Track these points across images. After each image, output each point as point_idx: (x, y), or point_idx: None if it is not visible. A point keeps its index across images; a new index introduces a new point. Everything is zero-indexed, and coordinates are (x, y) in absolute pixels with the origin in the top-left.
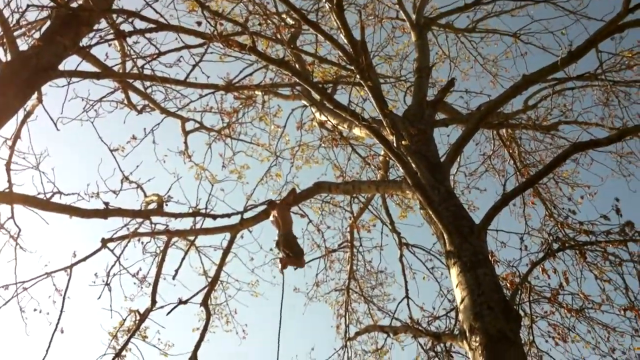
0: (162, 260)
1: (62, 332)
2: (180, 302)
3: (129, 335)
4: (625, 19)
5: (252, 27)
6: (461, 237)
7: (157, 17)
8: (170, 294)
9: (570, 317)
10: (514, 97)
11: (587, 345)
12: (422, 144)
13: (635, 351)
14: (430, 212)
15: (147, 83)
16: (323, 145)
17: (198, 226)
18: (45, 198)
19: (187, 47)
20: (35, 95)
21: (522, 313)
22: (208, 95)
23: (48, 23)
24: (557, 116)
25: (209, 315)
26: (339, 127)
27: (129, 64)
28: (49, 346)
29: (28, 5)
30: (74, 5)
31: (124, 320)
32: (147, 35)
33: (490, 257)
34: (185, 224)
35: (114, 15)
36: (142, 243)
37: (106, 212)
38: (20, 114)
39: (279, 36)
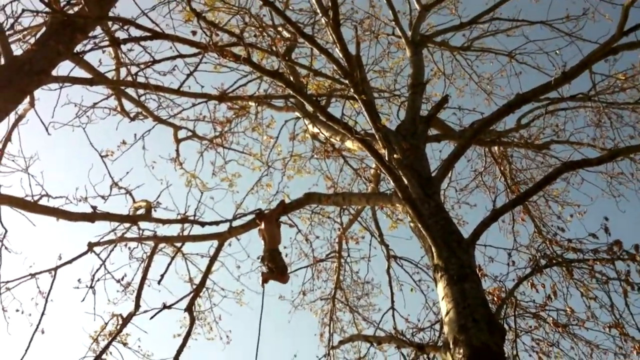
0: (148, 265)
1: (42, 332)
2: (165, 306)
3: (110, 339)
4: (619, 41)
5: (248, 39)
6: (449, 251)
7: (153, 25)
8: (154, 299)
9: (554, 333)
10: (507, 115)
11: None
12: (414, 158)
13: None
14: (420, 226)
15: (141, 91)
16: (315, 156)
17: (186, 233)
18: (32, 200)
19: (182, 56)
20: (27, 100)
21: (506, 327)
22: (201, 105)
23: (44, 29)
24: (549, 135)
25: (192, 321)
26: (332, 139)
27: (123, 72)
28: (28, 346)
29: (23, 10)
30: (70, 12)
31: (106, 324)
32: (142, 43)
33: (477, 272)
34: (173, 230)
35: (110, 23)
36: (129, 248)
37: (93, 216)
38: (12, 117)
39: (274, 48)
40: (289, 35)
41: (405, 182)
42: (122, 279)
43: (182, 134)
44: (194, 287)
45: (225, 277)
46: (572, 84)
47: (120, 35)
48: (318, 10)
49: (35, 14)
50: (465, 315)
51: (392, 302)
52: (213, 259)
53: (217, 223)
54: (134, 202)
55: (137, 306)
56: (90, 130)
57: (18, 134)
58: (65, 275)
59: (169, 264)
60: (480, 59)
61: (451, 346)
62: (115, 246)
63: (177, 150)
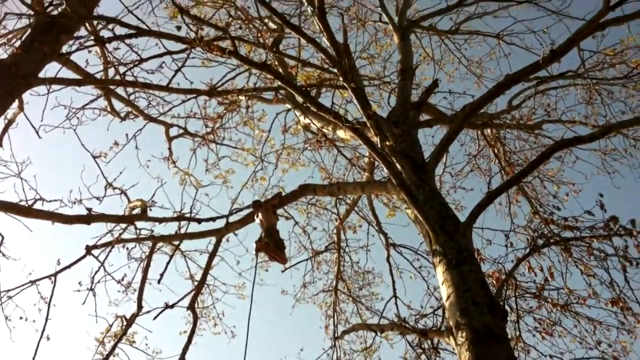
0: (148, 265)
1: (48, 339)
2: (167, 306)
3: (116, 340)
4: (606, 16)
5: (234, 32)
6: (446, 235)
7: (138, 23)
8: (156, 299)
9: (556, 312)
10: (497, 97)
11: (573, 340)
12: (407, 144)
13: (621, 344)
14: (416, 211)
15: (130, 90)
16: (308, 148)
17: (183, 231)
18: (27, 205)
19: (169, 52)
20: (16, 104)
21: (508, 309)
22: (192, 101)
23: (29, 32)
24: (541, 115)
25: (196, 318)
26: (324, 129)
27: (111, 71)
28: (35, 353)
29: (6, 14)
30: (54, 13)
31: (111, 325)
32: (128, 41)
33: (476, 255)
34: (170, 228)
35: (94, 22)
36: (127, 249)
37: (89, 218)
38: (1, 121)
39: (261, 40)
40: (276, 27)
41: (399, 168)
42: (122, 279)
43: (173, 131)
44: (195, 284)
45: (226, 271)
46: (561, 62)
47: (106, 34)
48: (303, 0)
49: (19, 16)
50: (465, 298)
51: (394, 290)
52: (212, 255)
53: (213, 219)
54: (129, 202)
55: (140, 307)
56: (82, 132)
57: (9, 139)
58: (64, 279)
59: (168, 263)
60: (469, 42)
61: (454, 330)
62: (112, 247)
63: (169, 149)
